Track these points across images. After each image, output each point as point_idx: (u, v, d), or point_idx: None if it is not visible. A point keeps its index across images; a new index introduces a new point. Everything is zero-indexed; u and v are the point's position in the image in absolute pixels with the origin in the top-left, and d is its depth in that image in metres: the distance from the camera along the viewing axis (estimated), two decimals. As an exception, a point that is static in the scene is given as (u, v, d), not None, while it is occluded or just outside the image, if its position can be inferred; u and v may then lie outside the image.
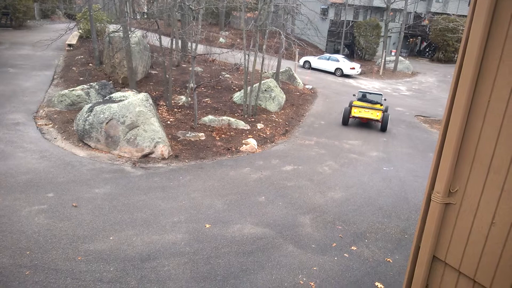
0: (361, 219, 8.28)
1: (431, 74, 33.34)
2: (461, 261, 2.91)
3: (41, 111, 13.67)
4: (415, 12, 42.44)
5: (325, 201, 9.02)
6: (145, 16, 30.77)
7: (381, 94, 16.54)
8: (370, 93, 16.57)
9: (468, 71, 2.62)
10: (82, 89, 14.36)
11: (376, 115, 15.43)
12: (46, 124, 12.55)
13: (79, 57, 21.11)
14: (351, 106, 15.83)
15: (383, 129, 15.61)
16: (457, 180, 2.83)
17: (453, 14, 34.81)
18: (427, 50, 44.29)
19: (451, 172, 2.79)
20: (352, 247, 7.17)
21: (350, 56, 36.64)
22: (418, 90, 26.77)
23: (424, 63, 39.72)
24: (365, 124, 16.37)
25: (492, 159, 2.63)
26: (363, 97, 16.23)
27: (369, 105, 15.68)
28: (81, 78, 17.53)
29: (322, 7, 36.77)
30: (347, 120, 15.85)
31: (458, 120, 2.68)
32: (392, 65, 33.18)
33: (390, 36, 38.36)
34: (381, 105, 15.80)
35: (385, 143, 14.09)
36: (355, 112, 15.61)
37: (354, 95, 17.68)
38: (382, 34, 34.35)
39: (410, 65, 34.06)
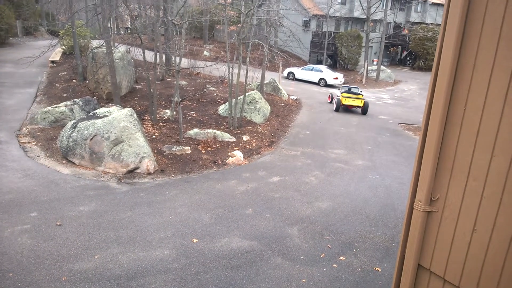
0: (349, 229, 8.32)
1: (413, 82, 33.97)
2: (445, 269, 2.95)
3: (24, 129, 13.46)
4: (394, 22, 43.35)
5: (313, 211, 9.04)
6: (129, 31, 30.74)
7: (358, 88, 21.71)
8: (351, 88, 21.59)
9: (443, 81, 2.69)
10: (65, 106, 14.21)
11: (359, 102, 20.18)
12: (29, 142, 12.36)
13: (62, 73, 20.92)
14: (340, 97, 20.31)
15: (364, 112, 20.38)
16: (438, 188, 2.88)
17: (431, 23, 35.64)
18: (408, 59, 45.16)
19: (432, 180, 2.84)
20: (341, 257, 7.18)
21: (333, 67, 37.12)
22: (401, 98, 27.21)
23: (405, 72, 40.47)
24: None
25: (470, 166, 2.69)
26: (348, 91, 20.90)
27: (353, 95, 20.30)
28: (64, 95, 17.35)
29: (304, 19, 37.30)
30: (338, 108, 20.44)
31: (435, 129, 2.74)
32: (374, 74, 33.71)
33: (371, 46, 39.03)
34: (362, 95, 20.51)
35: (370, 151, 14.24)
36: (345, 101, 20.08)
37: (338, 89, 22.41)
38: (364, 44, 34.95)
39: (392, 74, 34.65)
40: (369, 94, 27.55)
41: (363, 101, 20.06)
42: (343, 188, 10.56)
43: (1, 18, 26.56)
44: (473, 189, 2.70)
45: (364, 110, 20.30)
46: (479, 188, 2.67)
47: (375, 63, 37.62)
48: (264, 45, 14.61)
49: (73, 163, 10.90)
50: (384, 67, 35.36)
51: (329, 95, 22.99)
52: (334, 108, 20.60)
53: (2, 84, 18.75)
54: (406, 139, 16.62)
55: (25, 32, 35.65)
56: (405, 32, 43.24)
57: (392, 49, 44.97)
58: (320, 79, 29.27)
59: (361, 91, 21.26)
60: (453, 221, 2.83)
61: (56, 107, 14.15)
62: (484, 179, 2.64)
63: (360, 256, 7.28)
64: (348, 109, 21.07)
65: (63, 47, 24.91)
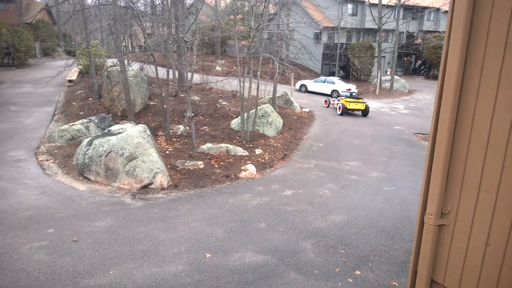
0: (364, 242, 8.19)
1: (428, 92, 33.63)
2: (459, 284, 2.88)
3: (42, 147, 13.77)
4: (407, 31, 43.22)
5: (327, 224, 8.94)
6: (143, 49, 31.39)
7: (355, 92, 26.04)
8: (352, 93, 24.84)
9: (450, 91, 2.66)
10: (81, 124, 14.51)
11: (362, 105, 22.28)
12: (46, 160, 12.62)
13: (79, 92, 21.43)
14: (342, 103, 22.46)
15: (365, 114, 22.43)
16: (448, 200, 2.83)
17: (444, 32, 35.46)
18: (422, 68, 44.84)
19: (442, 193, 2.79)
20: (356, 272, 7.05)
21: (346, 78, 37.08)
22: (416, 107, 26.93)
23: (420, 81, 40.14)
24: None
25: (481, 178, 2.64)
26: (350, 96, 23.84)
27: (355, 100, 22.52)
28: (81, 113, 17.74)
29: (315, 31, 37.49)
30: (343, 112, 22.32)
31: (444, 140, 2.71)
32: (388, 84, 33.51)
33: (384, 56, 38.93)
34: (362, 99, 22.86)
35: (385, 162, 14.08)
36: (349, 105, 22.15)
37: (335, 96, 26.70)
38: (376, 54, 34.89)
39: (406, 84, 34.39)
40: (383, 105, 27.37)
41: (364, 104, 22.37)
42: (358, 201, 10.44)
43: (21, 40, 27.45)
44: (485, 201, 2.65)
45: (365, 112, 22.46)
46: (491, 200, 2.61)
47: (388, 73, 37.46)
48: (274, 59, 14.71)
49: (89, 179, 11.07)
50: (398, 77, 35.14)
51: (326, 100, 25.32)
52: (339, 112, 22.48)
53: (22, 103, 19.29)
54: (422, 149, 16.38)
55: (44, 53, 36.76)
56: (419, 41, 43.03)
57: (405, 58, 44.74)
58: (333, 91, 29.23)
59: (360, 96, 24.72)
60: (465, 234, 2.77)
61: (72, 125, 14.46)
62: (496, 191, 2.58)
63: (376, 270, 7.14)
64: (350, 113, 22.97)
65: (80, 67, 25.57)
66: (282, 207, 9.83)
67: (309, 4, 37.66)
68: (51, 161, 12.55)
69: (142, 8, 25.84)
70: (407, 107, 27.16)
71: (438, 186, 2.78)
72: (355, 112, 22.80)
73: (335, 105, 23.79)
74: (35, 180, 10.93)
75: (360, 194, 10.92)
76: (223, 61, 37.38)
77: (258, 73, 16.39)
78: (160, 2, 23.45)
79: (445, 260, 2.92)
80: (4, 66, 29.15)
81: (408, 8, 40.21)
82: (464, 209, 2.77)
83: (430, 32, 41.66)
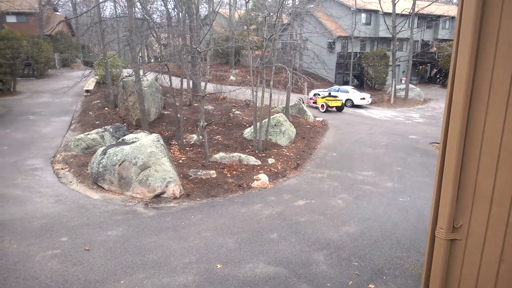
0: (378, 254, 8.03)
1: (444, 100, 33.05)
2: (473, 300, 2.78)
3: (58, 155, 14.01)
4: (422, 40, 42.84)
5: (340, 236, 8.81)
6: (158, 60, 31.86)
7: (337, 92, 28.51)
8: (330, 92, 28.14)
9: (459, 102, 2.60)
10: (97, 133, 14.73)
11: (339, 103, 26.06)
12: (62, 168, 12.82)
13: (95, 101, 21.80)
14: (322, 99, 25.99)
15: (340, 110, 26.21)
16: (460, 214, 2.75)
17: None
18: (438, 76, 44.29)
19: (453, 206, 2.71)
20: (370, 285, 6.91)
21: (360, 87, 36.86)
22: (432, 116, 26.56)
23: (436, 90, 39.64)
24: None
25: (493, 191, 2.56)
26: (329, 95, 26.82)
27: (334, 98, 25.99)
28: (97, 122, 18.02)
29: (328, 41, 37.47)
30: (327, 109, 25.52)
31: (454, 152, 2.64)
32: (403, 93, 33.18)
33: (399, 65, 38.59)
34: (337, 97, 26.49)
35: (399, 172, 13.87)
36: (330, 103, 25.51)
37: (315, 95, 28.27)
38: (390, 63, 34.63)
39: (421, 92, 33.99)
40: (398, 114, 27.09)
41: (340, 101, 26.16)
42: (372, 212, 10.28)
43: (41, 52, 28.13)
44: (497, 215, 2.56)
45: (341, 108, 26.17)
46: (504, 215, 2.53)
47: (403, 81, 37.11)
48: (287, 68, 14.73)
49: (103, 188, 11.19)
50: (413, 86, 34.78)
51: (300, 98, 27.14)
52: (323, 110, 25.45)
53: (40, 113, 19.72)
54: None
55: (63, 63, 37.60)
56: (434, 49, 42.59)
57: (420, 67, 44.31)
58: (347, 100, 29.06)
59: (337, 95, 27.58)
60: (478, 250, 2.68)
61: (88, 134, 14.69)
62: (508, 205, 2.50)
63: (391, 284, 6.99)
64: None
65: (97, 77, 26.06)
66: (294, 217, 9.75)
67: (322, 14, 37.77)
68: (67, 169, 12.74)
69: (158, 19, 26.29)
70: (423, 116, 26.81)
71: (449, 199, 2.71)
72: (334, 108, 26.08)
73: (311, 103, 27.33)
74: (51, 189, 11.10)
75: (374, 205, 10.75)
76: (237, 70, 37.64)
77: (271, 82, 16.42)
78: (175, 13, 23.85)
79: (458, 276, 2.83)
80: (24, 77, 29.92)
81: (422, 17, 39.91)
82: (476, 223, 2.69)
83: (445, 40, 41.21)
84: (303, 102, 25.31)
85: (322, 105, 25.61)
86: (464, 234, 2.76)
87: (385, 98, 31.93)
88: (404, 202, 11.07)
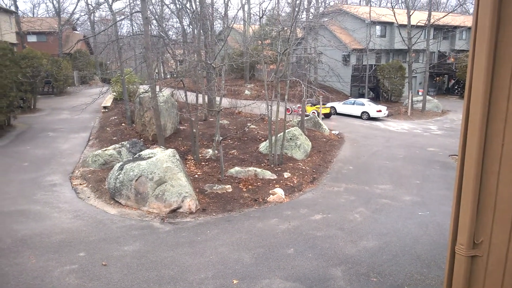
0: (398, 270, 7.84)
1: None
2: (496, 320, 2.66)
3: (76, 171, 14.25)
4: (438, 51, 42.45)
5: (357, 251, 8.65)
6: (174, 75, 32.39)
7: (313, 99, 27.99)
8: (311, 100, 27.30)
9: (477, 114, 2.54)
10: (114, 149, 14.94)
11: (327, 110, 28.23)
12: (80, 184, 13.02)
13: (113, 118, 22.21)
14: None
15: (328, 116, 28.17)
16: (480, 230, 2.66)
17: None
18: (456, 87, 43.68)
19: (473, 221, 2.63)
20: (389, 301, 6.74)
21: (376, 99, 36.59)
22: (450, 128, 26.12)
23: (454, 101, 39.07)
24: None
25: (515, 206, 2.47)
26: (312, 106, 28.02)
27: (314, 107, 27.52)
28: (114, 138, 18.31)
29: (343, 53, 37.47)
30: (308, 115, 25.13)
31: (473, 166, 2.57)
32: (420, 105, 32.79)
33: (415, 76, 38.25)
34: (317, 106, 27.16)
35: (418, 186, 13.61)
36: (308, 110, 26.81)
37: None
38: (407, 75, 34.35)
39: (439, 104, 33.53)
40: (415, 126, 26.73)
41: (328, 108, 28.54)
42: (390, 226, 10.08)
43: (60, 70, 28.94)
44: (520, 231, 2.47)
45: (328, 115, 28.38)
46: (527, 230, 2.44)
47: (420, 93, 36.72)
48: (301, 82, 14.75)
49: (120, 203, 11.29)
50: (430, 97, 34.35)
51: (288, 108, 29.85)
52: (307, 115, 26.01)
53: (59, 130, 20.17)
54: (457, 171, 15.76)
55: (81, 81, 38.57)
56: (451, 60, 42.13)
57: (438, 78, 43.83)
58: (363, 113, 28.88)
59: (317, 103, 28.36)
60: (500, 267, 2.58)
61: (105, 150, 14.92)
62: (531, 220, 2.41)
63: (410, 300, 6.80)
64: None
65: (114, 93, 26.59)
66: (311, 232, 9.63)
67: (336, 28, 37.86)
68: (85, 185, 12.93)
69: (173, 36, 26.79)
70: (441, 128, 26.39)
71: (468, 214, 2.63)
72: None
73: (299, 112, 28.14)
74: (69, 204, 11.26)
75: (393, 219, 10.55)
76: (252, 85, 37.89)
77: (286, 96, 16.46)
78: (190, 30, 24.28)
79: (480, 294, 2.73)
80: (44, 94, 30.81)
81: (438, 28, 39.61)
82: (497, 239, 2.59)
83: (462, 51, 40.72)
84: (293, 111, 27.27)
85: (313, 112, 27.24)
86: (485, 251, 2.66)
87: (402, 110, 31.59)
88: (424, 216, 10.83)
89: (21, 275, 7.35)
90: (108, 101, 25.81)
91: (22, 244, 8.62)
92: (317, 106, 27.25)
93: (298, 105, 29.03)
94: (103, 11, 50.12)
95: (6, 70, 18.62)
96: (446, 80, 45.07)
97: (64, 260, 7.99)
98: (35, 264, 7.78)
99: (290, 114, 26.45)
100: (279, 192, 12.27)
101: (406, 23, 32.30)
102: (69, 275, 7.41)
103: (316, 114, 26.06)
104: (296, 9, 15.63)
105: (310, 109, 27.54)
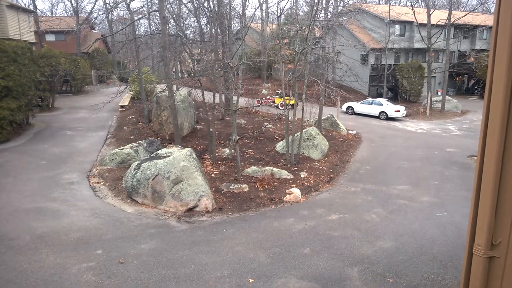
0: (414, 271, 7.74)
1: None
2: (516, 323, 2.60)
3: (94, 170, 14.49)
4: (459, 50, 41.62)
5: (374, 251, 8.56)
6: (191, 75, 32.64)
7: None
8: (278, 93, 29.52)
9: (496, 114, 2.48)
10: (131, 147, 15.14)
11: (292, 101, 23.65)
12: (98, 182, 13.24)
13: (130, 116, 22.50)
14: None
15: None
16: (499, 231, 2.60)
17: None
18: (476, 87, 42.75)
19: (491, 222, 2.57)
20: (405, 303, 6.65)
21: (394, 99, 36.09)
22: (470, 129, 25.57)
23: (473, 101, 38.25)
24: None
25: (536, 207, 2.41)
26: (280, 96, 28.40)
27: (281, 99, 26.66)
28: (131, 137, 18.55)
29: (361, 53, 37.07)
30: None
31: (492, 168, 2.51)
32: (439, 105, 32.19)
33: (434, 76, 37.55)
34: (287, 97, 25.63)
35: (436, 186, 13.38)
36: (287, 102, 25.11)
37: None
38: (426, 75, 33.77)
39: (458, 104, 32.87)
40: (434, 126, 26.28)
41: (294, 99, 26.32)
42: (407, 227, 9.94)
43: (78, 69, 29.44)
44: (540, 232, 2.40)
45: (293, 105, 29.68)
46: (548, 232, 2.37)
47: (439, 93, 36.07)
48: (319, 82, 14.67)
49: (137, 202, 11.44)
50: (449, 97, 33.69)
51: (258, 100, 29.49)
52: (283, 108, 24.59)
53: (77, 128, 20.55)
54: (477, 172, 15.42)
55: (99, 80, 39.19)
56: (471, 60, 41.24)
57: (457, 78, 42.98)
58: (381, 113, 28.52)
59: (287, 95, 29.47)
60: (519, 268, 2.52)
61: (123, 148, 15.13)
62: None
63: (428, 302, 6.69)
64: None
65: (131, 93, 26.94)
66: (327, 232, 9.58)
67: (355, 27, 37.52)
68: (102, 183, 13.14)
69: (191, 35, 27.00)
70: (460, 128, 25.87)
71: (487, 215, 2.57)
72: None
73: (269, 103, 29.70)
74: (87, 202, 11.47)
75: (410, 220, 10.41)
76: (269, 84, 37.89)
77: (303, 96, 16.40)
78: (208, 29, 24.41)
79: (498, 296, 2.67)
80: (62, 93, 31.38)
81: (458, 27, 38.81)
82: (517, 240, 2.53)
83: (483, 51, 39.79)
84: (281, 106, 28.03)
85: (281, 104, 27.98)
86: (503, 252, 2.60)
87: (420, 110, 31.08)
88: (441, 217, 10.65)
89: (39, 272, 7.52)
90: (125, 100, 26.17)
91: (40, 241, 8.82)
92: (285, 97, 28.10)
93: (268, 96, 30.99)
94: (120, 10, 50.84)
95: (25, 69, 19.01)
96: (466, 80, 44.14)
97: (81, 257, 8.14)
98: (53, 261, 7.95)
99: (260, 105, 27.77)
100: (295, 191, 12.24)
101: (425, 22, 31.73)
102: (87, 272, 7.55)
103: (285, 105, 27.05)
104: (315, 8, 15.56)
105: (278, 100, 29.25)
